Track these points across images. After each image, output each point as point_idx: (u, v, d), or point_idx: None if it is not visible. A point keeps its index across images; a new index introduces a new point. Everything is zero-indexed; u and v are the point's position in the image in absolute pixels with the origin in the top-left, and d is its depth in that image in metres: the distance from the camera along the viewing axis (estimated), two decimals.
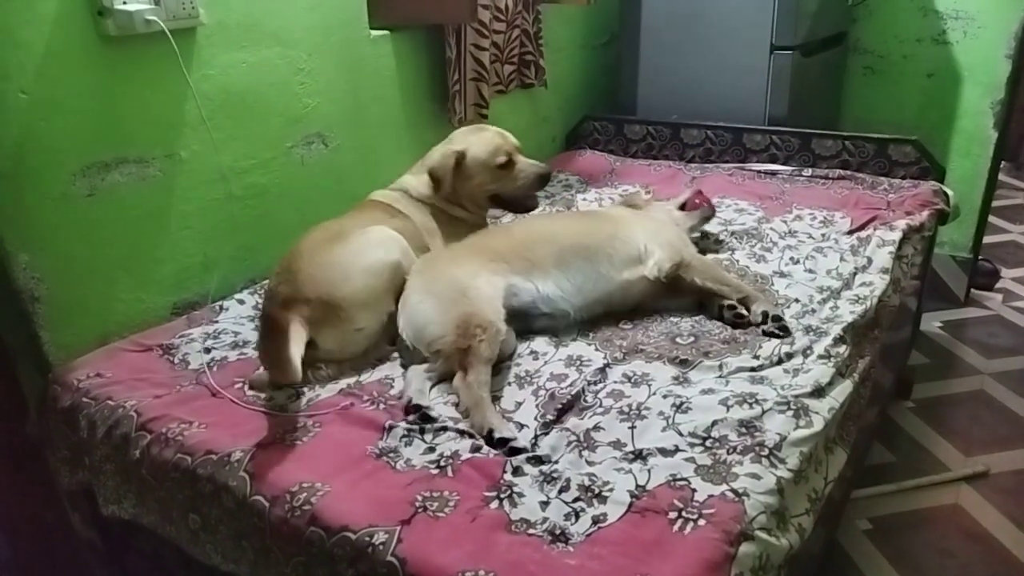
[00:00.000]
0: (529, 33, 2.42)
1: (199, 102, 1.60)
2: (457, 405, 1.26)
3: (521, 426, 1.21)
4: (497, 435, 1.16)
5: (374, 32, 1.98)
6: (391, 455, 1.15)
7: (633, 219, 1.69)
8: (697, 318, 1.53)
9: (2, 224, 1.36)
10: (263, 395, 1.32)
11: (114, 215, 1.52)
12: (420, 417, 1.22)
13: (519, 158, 1.75)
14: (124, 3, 1.41)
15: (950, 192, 2.17)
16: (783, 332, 1.44)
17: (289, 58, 1.78)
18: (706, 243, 1.89)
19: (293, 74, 1.80)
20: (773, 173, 2.37)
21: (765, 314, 1.48)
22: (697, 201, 1.88)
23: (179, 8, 1.50)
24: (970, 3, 2.66)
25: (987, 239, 3.05)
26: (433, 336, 1.35)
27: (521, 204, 1.80)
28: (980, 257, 2.94)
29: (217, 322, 1.59)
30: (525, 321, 1.48)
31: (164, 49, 1.47)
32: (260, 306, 1.59)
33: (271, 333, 1.31)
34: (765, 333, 1.45)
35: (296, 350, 1.24)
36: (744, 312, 1.50)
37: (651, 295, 1.58)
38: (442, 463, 1.12)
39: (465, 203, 1.75)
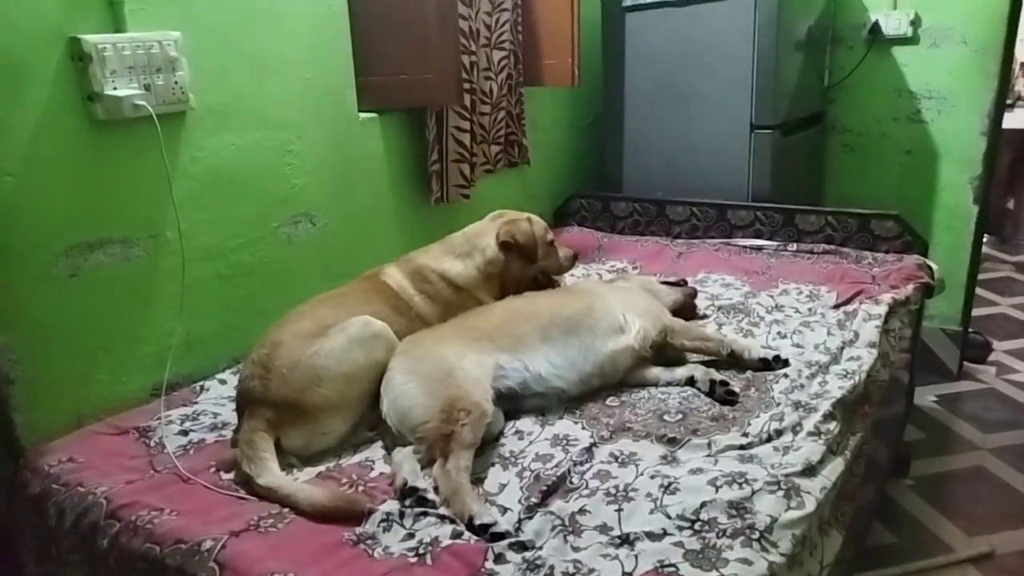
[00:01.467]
0: (513, 114, 2.48)
1: (185, 183, 1.62)
2: (437, 491, 1.22)
3: (505, 509, 1.17)
4: (478, 522, 1.11)
5: (362, 114, 2.03)
6: (368, 542, 1.10)
7: (605, 291, 1.72)
8: (686, 394, 1.51)
9: None
10: (233, 476, 1.28)
11: (96, 295, 1.51)
12: (417, 501, 1.17)
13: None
14: (115, 89, 1.44)
15: (934, 265, 2.18)
16: (782, 363, 1.58)
17: (277, 140, 1.81)
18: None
19: (281, 155, 1.83)
20: (759, 248, 2.39)
21: (764, 360, 1.57)
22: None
23: (168, 94, 1.53)
24: (942, 83, 2.76)
25: (977, 312, 3.06)
26: (418, 420, 1.31)
27: (552, 283, 1.89)
28: (971, 330, 2.94)
29: (196, 403, 1.56)
30: (516, 402, 1.45)
31: (151, 132, 1.49)
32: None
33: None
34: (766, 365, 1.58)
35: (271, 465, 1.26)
36: (736, 390, 1.47)
37: (640, 364, 1.57)
38: (421, 550, 1.08)
39: (509, 284, 1.77)
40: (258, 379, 1.36)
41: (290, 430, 1.33)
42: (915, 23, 2.75)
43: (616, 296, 1.67)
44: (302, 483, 1.25)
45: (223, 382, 1.64)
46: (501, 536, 1.09)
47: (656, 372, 1.57)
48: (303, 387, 1.34)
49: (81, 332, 1.50)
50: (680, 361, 1.62)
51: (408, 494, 1.18)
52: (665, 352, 1.60)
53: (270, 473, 1.25)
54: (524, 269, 1.79)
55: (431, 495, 1.19)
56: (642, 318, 1.60)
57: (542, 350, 1.48)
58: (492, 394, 1.35)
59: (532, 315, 1.55)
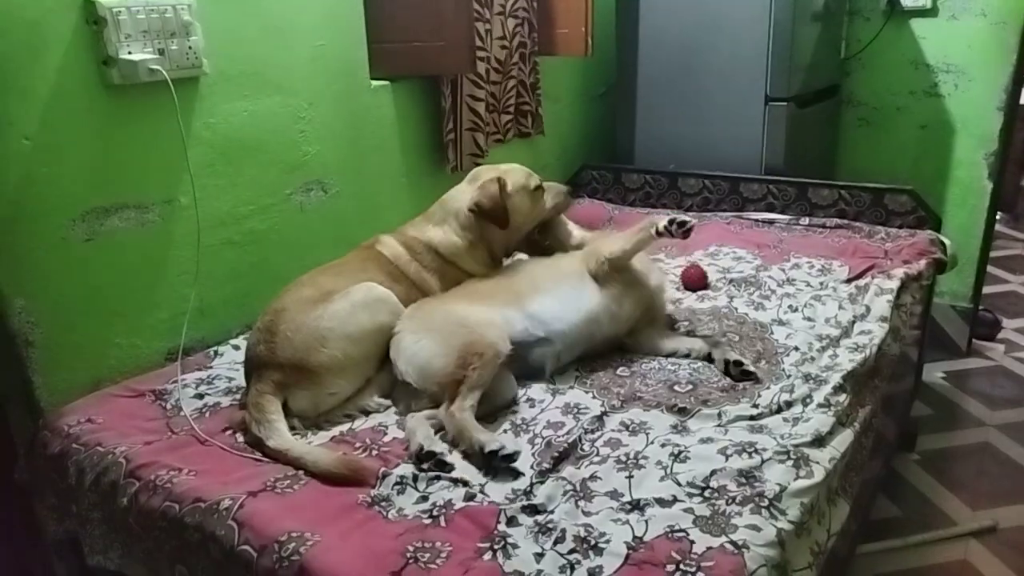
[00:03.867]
0: (526, 84, 2.47)
1: (199, 149, 1.62)
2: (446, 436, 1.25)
3: (517, 474, 1.18)
4: (487, 449, 1.16)
5: (374, 82, 2.02)
6: (383, 504, 1.12)
7: (573, 255, 1.68)
8: (696, 365, 1.52)
9: (0, 268, 1.36)
10: (245, 439, 1.31)
11: (112, 260, 1.52)
12: (435, 464, 1.19)
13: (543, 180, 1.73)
14: (129, 53, 1.44)
15: (947, 241, 2.17)
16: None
17: (290, 107, 1.80)
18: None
19: (293, 122, 1.82)
20: (771, 222, 2.38)
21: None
22: (692, 272, 1.91)
23: (182, 58, 1.53)
24: (960, 57, 2.72)
25: (987, 289, 3.05)
26: (438, 370, 1.34)
27: (544, 244, 1.75)
28: (981, 307, 2.94)
29: (211, 368, 1.58)
30: (522, 357, 1.45)
31: (166, 98, 1.49)
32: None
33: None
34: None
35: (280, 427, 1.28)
36: (751, 370, 1.47)
37: (652, 326, 1.59)
38: (435, 512, 1.09)
39: (496, 248, 1.69)
40: (264, 344, 1.38)
41: (297, 391, 1.35)
42: None
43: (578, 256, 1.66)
44: (311, 446, 1.27)
45: (236, 347, 1.66)
46: (511, 458, 1.14)
47: (673, 343, 1.58)
48: (308, 348, 1.36)
49: (97, 296, 1.51)
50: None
51: (426, 458, 1.20)
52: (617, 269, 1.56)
53: (279, 435, 1.27)
54: (507, 232, 1.67)
55: (448, 457, 1.21)
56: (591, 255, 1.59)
57: (537, 298, 1.50)
58: (506, 333, 1.38)
59: (523, 276, 1.59)
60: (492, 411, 1.36)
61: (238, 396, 1.46)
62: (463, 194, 1.67)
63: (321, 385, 1.37)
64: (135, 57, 1.44)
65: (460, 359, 1.31)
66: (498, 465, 1.18)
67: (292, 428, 1.32)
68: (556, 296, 1.52)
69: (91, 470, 1.27)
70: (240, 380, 1.52)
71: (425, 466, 1.19)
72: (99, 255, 1.50)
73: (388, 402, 1.41)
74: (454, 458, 1.22)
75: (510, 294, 1.51)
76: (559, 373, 1.50)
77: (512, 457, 1.17)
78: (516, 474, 1.17)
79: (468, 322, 1.38)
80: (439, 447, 1.23)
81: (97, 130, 1.46)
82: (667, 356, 1.57)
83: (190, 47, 1.54)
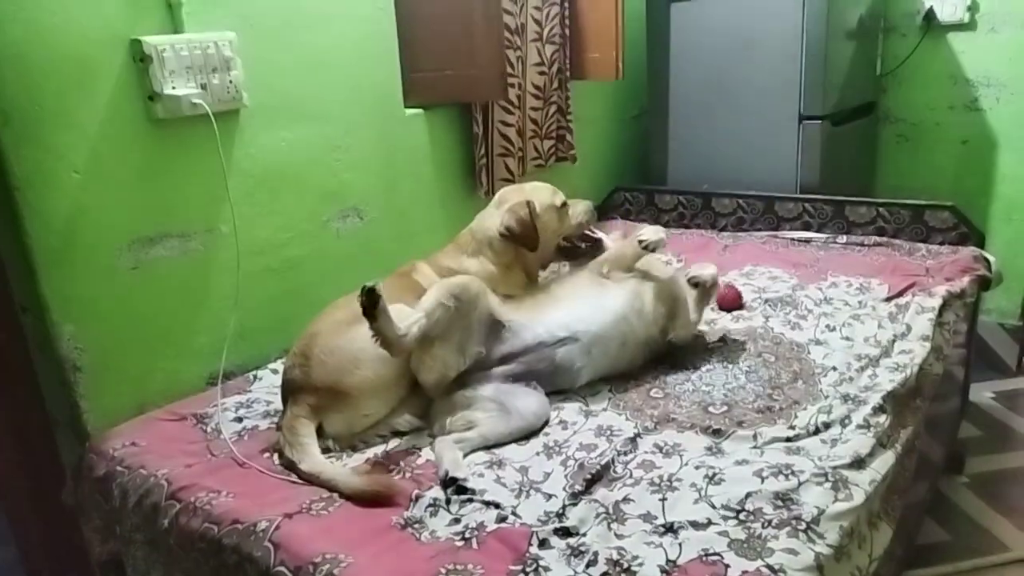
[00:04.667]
0: (563, 109, 2.49)
1: (239, 179, 1.67)
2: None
3: (549, 496, 1.18)
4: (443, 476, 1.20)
5: (408, 110, 2.06)
6: (416, 526, 1.13)
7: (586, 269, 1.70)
8: (731, 386, 1.50)
9: (50, 296, 1.42)
10: (279, 461, 1.33)
11: (156, 287, 1.57)
12: (456, 490, 1.20)
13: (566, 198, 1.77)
14: (173, 88, 1.50)
15: (991, 258, 2.12)
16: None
17: (326, 136, 1.85)
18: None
19: (330, 151, 1.87)
20: (807, 241, 2.35)
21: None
22: (727, 292, 1.90)
23: (223, 92, 1.58)
24: (1000, 71, 2.67)
25: None
26: None
27: (580, 247, 1.78)
28: None
29: (250, 391, 1.61)
30: (549, 359, 1.46)
31: (208, 130, 1.55)
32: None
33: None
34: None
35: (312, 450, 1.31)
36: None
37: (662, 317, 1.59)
38: (467, 535, 1.10)
39: (531, 267, 1.72)
40: (298, 367, 1.41)
41: (331, 414, 1.37)
42: (972, 8, 2.67)
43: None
44: (342, 468, 1.29)
45: (275, 371, 1.69)
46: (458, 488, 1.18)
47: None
48: (341, 370, 1.38)
49: (142, 322, 1.56)
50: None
51: (448, 484, 1.21)
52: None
53: (311, 458, 1.29)
54: (545, 242, 1.70)
55: (472, 483, 1.21)
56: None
57: (554, 310, 1.52)
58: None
59: (542, 294, 1.62)
60: (528, 433, 1.36)
61: (276, 419, 1.49)
62: (492, 219, 1.69)
63: (355, 407, 1.38)
64: (179, 92, 1.50)
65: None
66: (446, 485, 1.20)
67: (327, 450, 1.34)
68: (575, 303, 1.54)
69: (134, 492, 1.31)
70: (278, 403, 1.55)
71: (449, 491, 1.20)
72: (144, 283, 1.55)
73: (420, 422, 1.43)
74: (483, 482, 1.22)
75: (530, 311, 1.52)
76: (592, 394, 1.49)
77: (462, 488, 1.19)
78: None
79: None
80: (463, 472, 1.23)
81: (142, 162, 1.52)
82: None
83: (231, 81, 1.59)
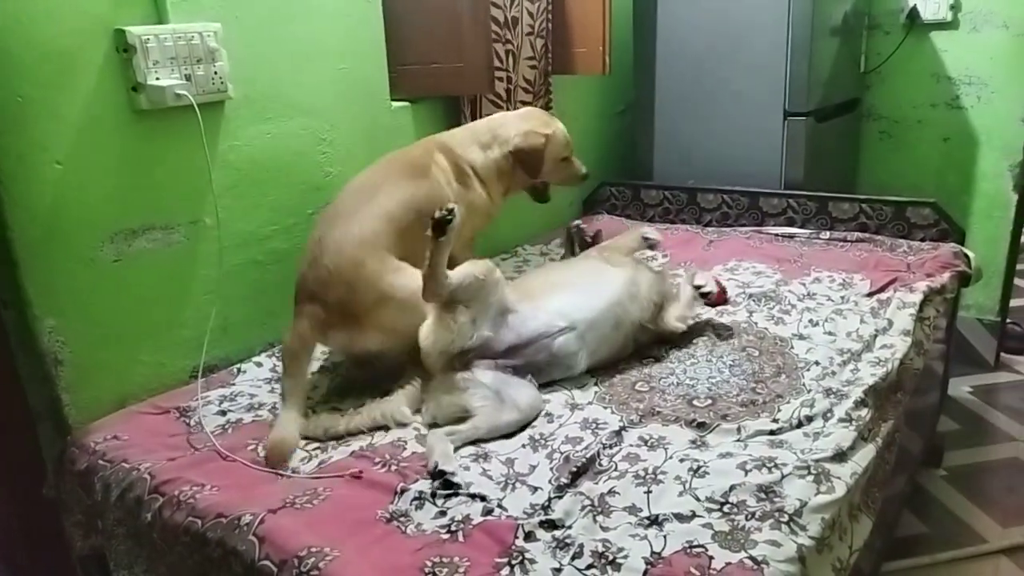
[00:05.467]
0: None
1: (224, 171, 1.66)
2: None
3: (535, 489, 1.19)
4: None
5: (395, 103, 2.06)
6: (401, 519, 1.13)
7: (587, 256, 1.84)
8: (715, 380, 1.52)
9: (31, 289, 1.40)
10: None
11: (139, 280, 1.56)
12: (443, 484, 1.20)
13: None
14: (157, 79, 1.48)
15: (971, 254, 2.15)
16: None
17: (312, 129, 1.84)
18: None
19: (315, 144, 1.86)
20: (791, 236, 2.37)
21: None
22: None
23: (208, 83, 1.57)
24: (982, 69, 2.70)
25: (1015, 302, 3.00)
26: None
27: (544, 195, 1.98)
28: (1009, 321, 2.89)
29: (234, 384, 1.60)
30: (547, 348, 1.48)
31: (192, 122, 1.53)
32: (276, 367, 1.62)
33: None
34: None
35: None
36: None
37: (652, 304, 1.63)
38: (453, 527, 1.10)
39: (512, 186, 1.86)
40: (316, 283, 1.46)
41: (334, 332, 1.45)
42: (955, 7, 2.70)
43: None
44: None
45: (259, 364, 1.68)
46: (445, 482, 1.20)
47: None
48: (365, 304, 1.44)
49: (125, 315, 1.55)
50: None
51: (436, 476, 1.21)
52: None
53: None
54: (527, 178, 1.86)
55: (458, 478, 1.21)
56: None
57: (555, 295, 1.55)
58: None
59: (539, 279, 1.68)
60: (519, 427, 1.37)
61: (260, 412, 1.49)
62: (512, 126, 1.81)
63: (362, 338, 1.45)
64: (163, 83, 1.48)
65: None
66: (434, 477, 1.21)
67: (315, 439, 1.36)
68: (572, 289, 1.57)
69: (116, 486, 1.30)
70: (262, 396, 1.55)
71: (435, 484, 1.20)
72: (127, 275, 1.53)
73: (417, 418, 1.42)
74: (469, 475, 1.22)
75: (532, 299, 1.54)
76: (578, 386, 1.50)
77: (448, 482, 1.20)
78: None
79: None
80: (452, 466, 1.23)
81: (126, 154, 1.50)
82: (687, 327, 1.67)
83: (216, 72, 1.58)
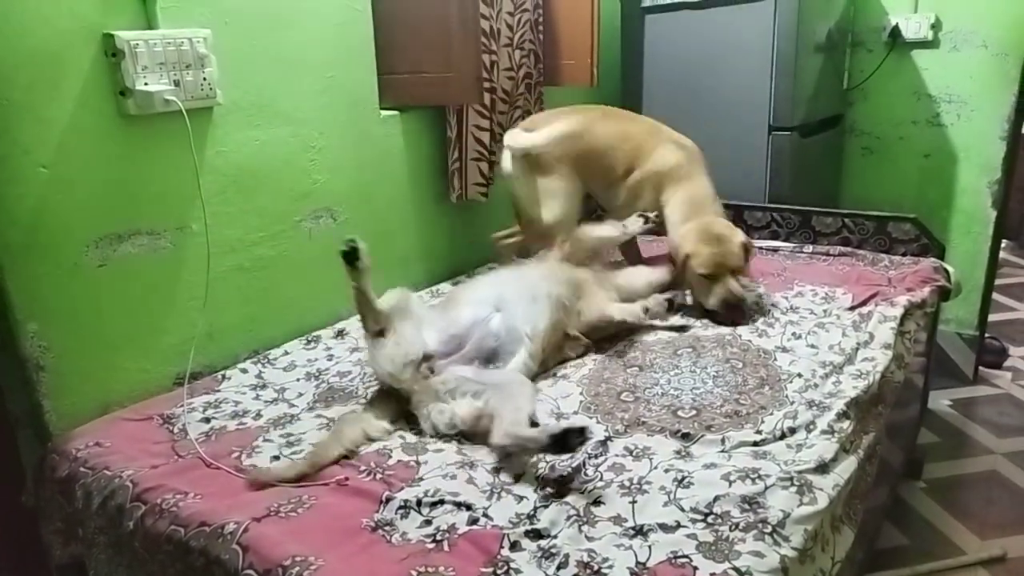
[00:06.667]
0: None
1: (211, 177, 1.65)
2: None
3: (520, 498, 1.19)
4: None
5: (384, 112, 2.06)
6: (386, 528, 1.13)
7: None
8: (699, 391, 1.53)
9: (14, 293, 1.39)
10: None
11: (124, 285, 1.55)
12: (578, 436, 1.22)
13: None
14: (146, 84, 1.48)
15: (950, 269, 2.18)
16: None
17: (300, 136, 1.84)
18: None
19: (304, 151, 1.86)
20: (774, 250, 2.40)
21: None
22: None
23: (197, 89, 1.57)
24: (962, 87, 2.75)
25: (994, 317, 3.05)
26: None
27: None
28: (987, 335, 2.93)
29: (219, 391, 1.59)
30: (490, 337, 1.55)
31: (180, 127, 1.53)
32: (261, 374, 1.61)
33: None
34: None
35: None
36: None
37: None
38: (438, 537, 1.10)
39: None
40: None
41: None
42: (935, 26, 2.75)
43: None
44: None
45: (244, 371, 1.68)
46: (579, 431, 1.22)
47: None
48: None
49: (108, 321, 1.53)
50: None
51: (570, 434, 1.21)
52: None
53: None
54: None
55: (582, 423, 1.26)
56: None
57: (475, 292, 1.68)
58: None
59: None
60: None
61: (244, 420, 1.48)
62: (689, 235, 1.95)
63: None
64: (151, 88, 1.48)
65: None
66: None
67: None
68: (489, 285, 1.70)
69: (98, 493, 1.28)
70: (247, 403, 1.54)
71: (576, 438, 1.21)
72: (111, 281, 1.52)
73: (392, 427, 1.42)
74: (456, 484, 1.22)
75: (456, 302, 1.65)
76: (563, 396, 1.51)
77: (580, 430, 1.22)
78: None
79: None
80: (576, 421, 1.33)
81: (112, 158, 1.49)
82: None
83: (205, 78, 1.58)
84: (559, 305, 1.65)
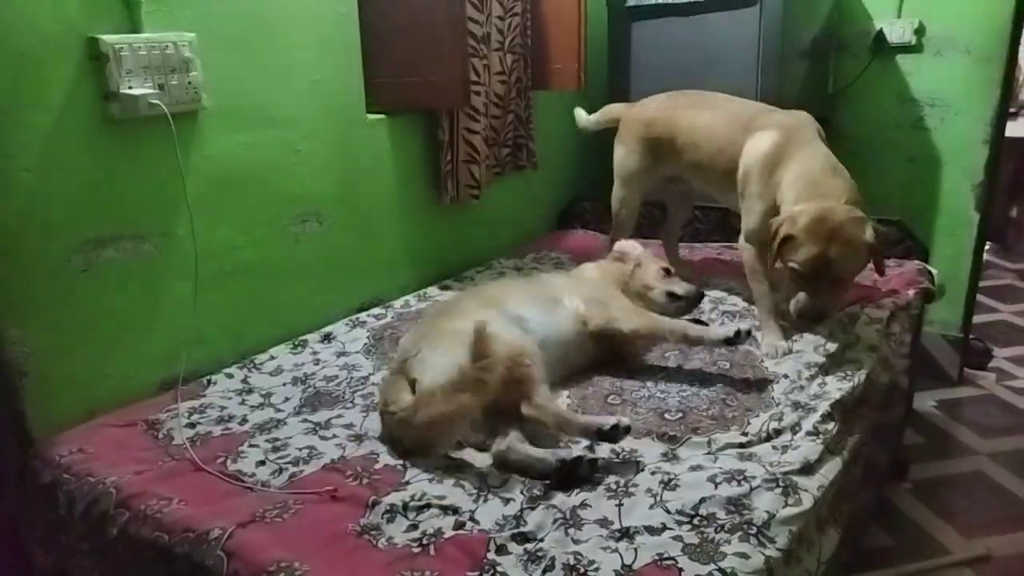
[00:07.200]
0: (521, 117, 2.51)
1: (197, 181, 1.65)
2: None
3: (507, 500, 1.19)
4: (608, 426, 1.26)
5: (370, 116, 2.06)
6: (373, 533, 1.13)
7: (560, 281, 1.82)
8: (685, 393, 1.53)
9: None
10: None
11: (107, 290, 1.53)
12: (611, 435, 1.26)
13: None
14: (130, 88, 1.47)
15: (934, 271, 2.20)
16: (745, 335, 1.56)
17: (286, 140, 1.84)
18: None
19: (290, 155, 1.85)
20: None
21: (727, 339, 1.56)
22: None
23: (182, 93, 1.56)
24: (945, 92, 2.77)
25: (978, 319, 3.07)
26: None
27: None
28: (972, 336, 2.95)
29: (204, 396, 1.58)
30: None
31: (165, 131, 1.52)
32: (247, 379, 1.60)
33: None
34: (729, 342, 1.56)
35: None
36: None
37: (607, 349, 1.67)
38: (424, 541, 1.10)
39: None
40: None
41: None
42: (919, 32, 2.77)
43: (568, 285, 1.77)
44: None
45: (230, 376, 1.67)
46: (626, 429, 1.26)
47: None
48: None
49: (93, 326, 1.52)
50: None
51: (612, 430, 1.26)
52: (618, 339, 1.65)
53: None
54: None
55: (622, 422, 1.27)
56: (587, 305, 1.68)
57: (521, 308, 1.60)
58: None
59: (508, 291, 1.69)
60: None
61: (230, 425, 1.47)
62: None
63: None
64: (136, 92, 1.47)
65: (506, 361, 1.33)
66: (616, 436, 1.27)
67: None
68: (531, 306, 1.62)
69: (81, 500, 1.27)
70: (233, 408, 1.53)
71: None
72: (95, 285, 1.51)
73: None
74: (442, 488, 1.22)
75: (495, 303, 1.58)
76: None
77: (627, 428, 1.27)
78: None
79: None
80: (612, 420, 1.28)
81: (97, 163, 1.48)
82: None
83: (189, 82, 1.57)
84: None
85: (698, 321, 1.81)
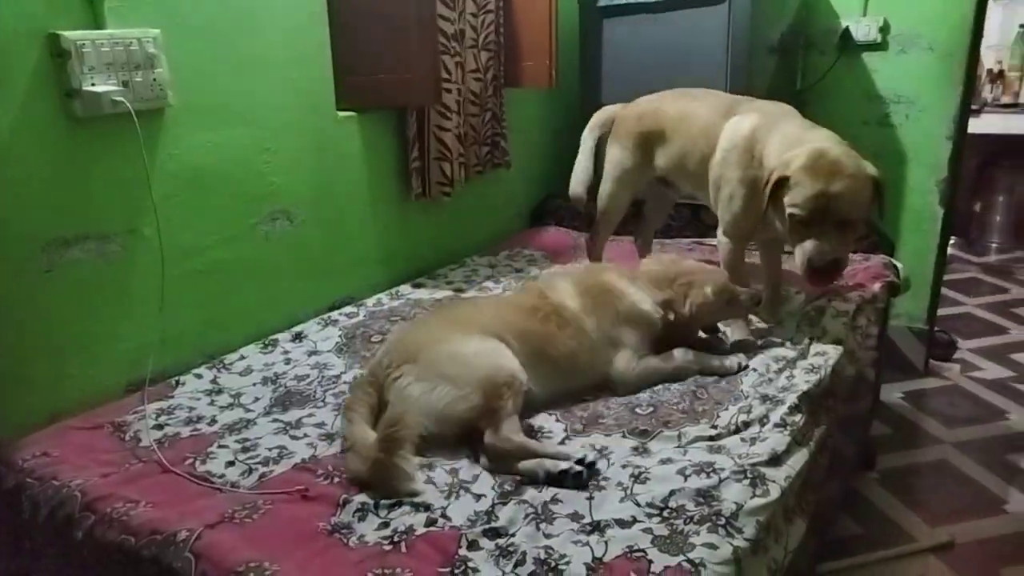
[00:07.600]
0: (498, 115, 2.51)
1: (163, 180, 1.62)
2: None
3: (479, 496, 1.19)
4: (583, 458, 1.23)
5: (341, 113, 2.05)
6: (344, 531, 1.12)
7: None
8: (656, 388, 1.54)
9: None
10: None
11: (71, 291, 1.51)
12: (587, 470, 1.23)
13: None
14: (93, 85, 1.45)
15: (899, 265, 2.24)
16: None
17: (255, 137, 1.82)
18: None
19: (259, 153, 1.84)
20: None
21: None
22: None
23: (147, 90, 1.54)
24: (910, 89, 2.82)
25: (943, 311, 3.13)
26: (462, 411, 1.33)
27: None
28: (937, 329, 3.01)
29: (172, 397, 1.57)
30: None
31: (130, 129, 1.50)
32: (216, 379, 1.58)
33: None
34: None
35: None
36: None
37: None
38: (396, 539, 1.10)
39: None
40: None
41: None
42: (884, 30, 2.82)
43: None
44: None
45: (199, 376, 1.65)
46: (592, 464, 1.23)
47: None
48: None
49: (56, 328, 1.50)
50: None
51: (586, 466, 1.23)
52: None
53: None
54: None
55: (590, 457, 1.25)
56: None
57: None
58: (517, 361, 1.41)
59: (504, 312, 1.57)
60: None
61: (199, 426, 1.45)
62: None
63: None
64: (99, 89, 1.45)
65: (485, 394, 1.32)
66: (588, 475, 1.22)
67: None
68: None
69: (46, 504, 1.25)
70: (201, 409, 1.51)
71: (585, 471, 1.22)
72: (58, 286, 1.48)
73: None
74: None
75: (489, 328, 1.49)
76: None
77: (593, 463, 1.24)
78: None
79: (478, 357, 1.38)
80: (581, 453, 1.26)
81: (59, 161, 1.46)
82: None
83: (155, 79, 1.55)
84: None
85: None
